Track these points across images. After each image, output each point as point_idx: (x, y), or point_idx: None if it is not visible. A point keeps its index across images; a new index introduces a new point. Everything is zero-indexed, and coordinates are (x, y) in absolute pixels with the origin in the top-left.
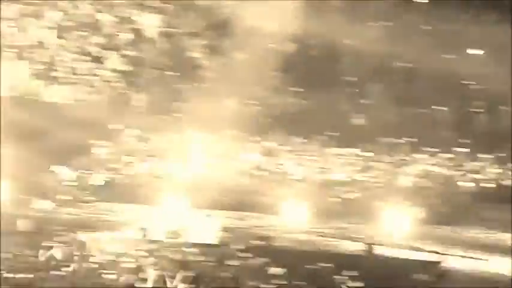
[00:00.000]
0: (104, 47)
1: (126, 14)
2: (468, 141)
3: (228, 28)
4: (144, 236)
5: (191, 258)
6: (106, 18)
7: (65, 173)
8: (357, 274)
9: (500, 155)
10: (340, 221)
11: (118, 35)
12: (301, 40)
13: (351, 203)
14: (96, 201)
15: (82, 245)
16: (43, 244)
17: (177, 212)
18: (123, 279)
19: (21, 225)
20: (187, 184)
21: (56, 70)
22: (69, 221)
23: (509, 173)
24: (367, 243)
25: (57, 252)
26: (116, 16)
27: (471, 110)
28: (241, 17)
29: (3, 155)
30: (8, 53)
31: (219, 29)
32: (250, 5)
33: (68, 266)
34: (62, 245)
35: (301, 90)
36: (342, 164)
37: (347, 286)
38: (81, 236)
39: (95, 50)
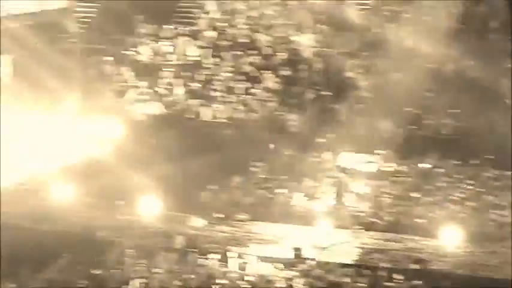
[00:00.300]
0: (260, 67)
1: (283, 34)
2: None
3: (383, 48)
4: (297, 255)
5: (344, 280)
6: (263, 38)
7: (221, 192)
8: None
9: None
10: (496, 244)
11: (274, 55)
12: (457, 61)
13: (508, 226)
14: (250, 219)
15: (240, 264)
16: (198, 261)
17: (328, 232)
18: None
19: (178, 242)
20: (340, 205)
21: (211, 89)
22: (222, 239)
23: None
24: None
25: (211, 270)
26: (273, 36)
27: None
28: (396, 37)
29: (161, 173)
30: (165, 72)
31: (374, 49)
32: (405, 25)
33: (220, 284)
34: (216, 262)
35: (457, 111)
36: (497, 187)
37: None
38: (234, 253)
39: (250, 70)
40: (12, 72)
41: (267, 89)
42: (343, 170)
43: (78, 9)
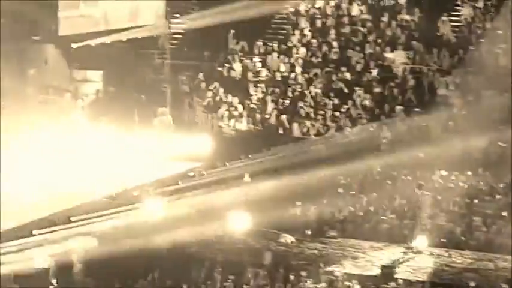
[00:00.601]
0: (351, 83)
1: (375, 51)
2: None
3: (476, 65)
4: (387, 273)
5: None
6: (354, 55)
7: (311, 208)
8: None
9: None
10: None
11: (366, 71)
12: None
13: None
14: (340, 236)
15: (331, 281)
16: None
17: (419, 250)
18: None
19: (267, 258)
20: (430, 223)
21: (302, 105)
22: (311, 256)
23: None
24: None
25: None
26: (364, 52)
27: None
28: (489, 54)
29: (251, 189)
30: (256, 88)
31: (468, 65)
32: (498, 42)
33: None
34: (305, 279)
35: None
36: None
37: None
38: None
39: (341, 86)
40: (102, 88)
41: (358, 106)
42: (434, 188)
43: (170, 25)
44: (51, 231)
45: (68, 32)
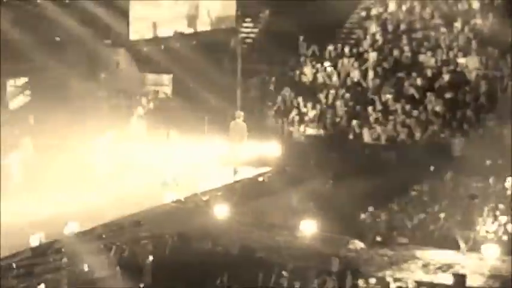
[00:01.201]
0: (423, 89)
1: (447, 56)
2: None
3: None
4: (459, 282)
5: None
6: (426, 60)
7: (381, 214)
8: None
9: None
10: None
11: (438, 77)
12: None
13: None
14: (410, 243)
15: None
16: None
17: (492, 258)
18: None
19: (335, 264)
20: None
21: (373, 110)
22: (381, 262)
23: None
24: None
25: None
26: (437, 58)
27: None
28: None
29: (321, 195)
30: (327, 93)
31: None
32: None
33: None
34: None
35: None
36: None
37: None
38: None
39: (412, 91)
40: (171, 91)
41: (430, 111)
42: (506, 196)
43: (242, 29)
44: (120, 235)
45: (139, 36)
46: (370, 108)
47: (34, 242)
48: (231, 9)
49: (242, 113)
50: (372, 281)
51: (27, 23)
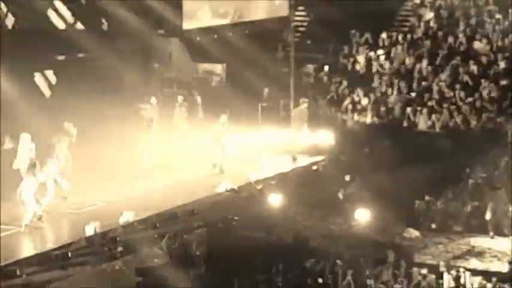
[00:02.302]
0: (478, 76)
1: (502, 43)
2: None
3: None
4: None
5: None
6: (481, 47)
7: (436, 203)
8: None
9: None
10: None
11: (493, 64)
12: None
13: None
14: (465, 231)
15: (456, 277)
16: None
17: None
18: None
19: (390, 253)
20: None
21: (428, 98)
22: (436, 251)
23: None
24: None
25: (423, 282)
26: (492, 45)
27: None
28: None
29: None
30: (380, 81)
31: None
32: None
33: None
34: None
35: None
36: None
37: None
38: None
39: (467, 78)
40: (224, 80)
41: (485, 99)
42: None
43: (295, 17)
44: (174, 224)
45: (192, 26)
46: (424, 96)
47: (89, 231)
48: None
49: (306, 100)
50: (427, 269)
51: (81, 14)
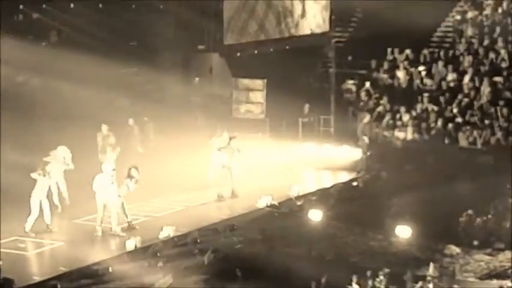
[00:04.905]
0: None
1: None
2: None
3: None
4: None
5: None
6: None
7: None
8: None
9: None
10: None
11: None
12: None
13: None
14: (507, 248)
15: None
16: None
17: None
18: None
19: (431, 269)
20: None
21: (470, 114)
22: (478, 268)
23: None
24: None
25: None
26: None
27: None
28: None
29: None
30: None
31: None
32: None
33: None
34: None
35: None
36: None
37: None
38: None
39: (509, 95)
40: (266, 96)
41: None
42: None
43: (335, 34)
44: (215, 240)
45: (233, 41)
46: (466, 112)
47: (130, 246)
48: (326, 13)
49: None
50: (468, 286)
51: (123, 29)
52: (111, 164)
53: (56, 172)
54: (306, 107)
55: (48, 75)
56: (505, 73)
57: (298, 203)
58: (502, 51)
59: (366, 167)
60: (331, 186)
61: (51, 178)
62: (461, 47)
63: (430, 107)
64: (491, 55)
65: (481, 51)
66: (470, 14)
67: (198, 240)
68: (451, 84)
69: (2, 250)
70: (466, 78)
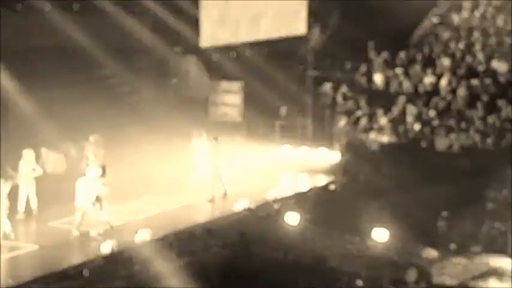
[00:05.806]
0: (496, 95)
1: None
2: None
3: None
4: None
5: None
6: (500, 66)
7: (454, 222)
8: None
9: None
10: None
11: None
12: None
13: None
14: (484, 252)
15: None
16: None
17: None
18: None
19: (410, 273)
20: None
21: (446, 118)
22: (454, 271)
23: None
24: None
25: None
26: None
27: None
28: None
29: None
30: (398, 100)
31: None
32: None
33: None
34: None
35: None
36: None
37: None
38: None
39: (486, 98)
40: (242, 98)
41: (503, 118)
42: None
43: (311, 36)
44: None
45: (209, 44)
46: (443, 116)
47: (105, 249)
48: (301, 15)
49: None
50: None
51: (98, 32)
52: (96, 168)
53: (24, 177)
54: (283, 109)
55: (19, 77)
56: (481, 76)
57: (276, 207)
58: (479, 54)
59: (343, 171)
60: (309, 190)
61: (18, 183)
62: (439, 50)
63: (407, 109)
64: (468, 58)
65: (457, 54)
66: (447, 17)
67: (174, 244)
68: (428, 87)
69: None
70: (443, 81)
